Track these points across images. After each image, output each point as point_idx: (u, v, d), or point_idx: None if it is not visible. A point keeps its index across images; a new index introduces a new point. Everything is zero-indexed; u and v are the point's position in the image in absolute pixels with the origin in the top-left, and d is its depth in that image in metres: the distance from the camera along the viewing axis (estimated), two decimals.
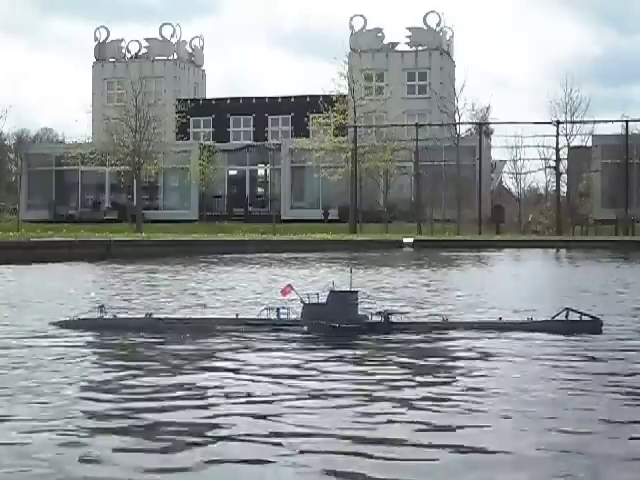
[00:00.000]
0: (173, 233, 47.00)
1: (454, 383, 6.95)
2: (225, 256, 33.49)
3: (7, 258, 26.69)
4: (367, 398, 6.32)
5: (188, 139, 72.58)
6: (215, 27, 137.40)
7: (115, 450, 4.99)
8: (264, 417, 5.73)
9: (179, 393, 6.56)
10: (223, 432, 5.40)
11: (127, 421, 5.68)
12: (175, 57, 77.87)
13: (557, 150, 62.74)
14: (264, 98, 74.24)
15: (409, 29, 72.48)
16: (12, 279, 20.58)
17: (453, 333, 9.54)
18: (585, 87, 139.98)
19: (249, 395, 6.44)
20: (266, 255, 34.46)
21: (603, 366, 7.80)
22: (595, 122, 63.55)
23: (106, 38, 78.25)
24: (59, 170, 70.06)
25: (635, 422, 5.63)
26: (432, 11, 71.86)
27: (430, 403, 6.15)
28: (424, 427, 5.46)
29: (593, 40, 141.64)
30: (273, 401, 6.27)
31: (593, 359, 8.14)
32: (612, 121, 63.11)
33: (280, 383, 6.89)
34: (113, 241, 35.33)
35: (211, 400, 6.35)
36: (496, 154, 69.64)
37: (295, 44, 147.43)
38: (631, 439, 5.24)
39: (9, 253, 28.28)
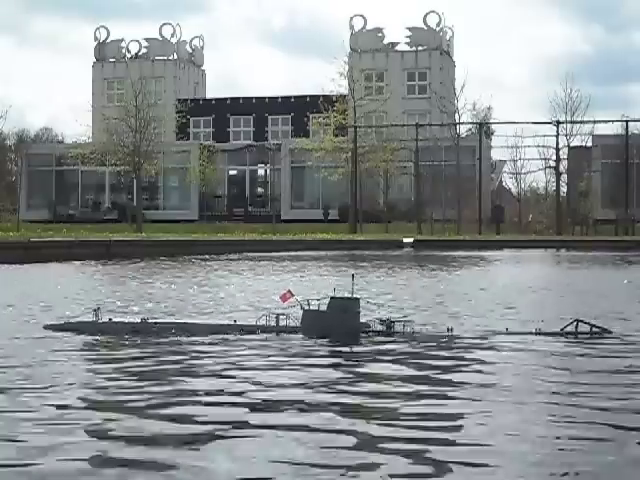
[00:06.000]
0: (173, 233, 46.94)
1: (455, 394, 6.86)
2: (225, 256, 33.41)
3: (7, 258, 26.64)
4: (363, 406, 6.27)
5: (188, 139, 72.57)
6: (211, 26, 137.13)
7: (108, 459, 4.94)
8: (260, 427, 5.65)
9: (173, 399, 6.47)
10: (215, 435, 5.36)
11: (120, 426, 5.63)
12: (175, 57, 77.85)
13: (557, 150, 62.77)
14: (264, 98, 74.23)
15: (409, 29, 72.52)
16: (10, 280, 20.49)
17: (457, 343, 9.39)
18: (584, 87, 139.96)
19: (239, 402, 6.38)
20: (266, 255, 34.39)
21: (610, 374, 7.70)
22: (595, 122, 63.64)
23: (106, 38, 78.29)
24: (59, 170, 70.06)
25: None
26: (432, 11, 72.03)
27: (427, 415, 6.09)
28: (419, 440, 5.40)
29: (589, 39, 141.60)
30: (265, 409, 6.20)
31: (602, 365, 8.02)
32: (612, 121, 63.23)
33: (273, 390, 6.82)
34: (113, 241, 35.27)
35: (204, 405, 6.30)
36: (496, 154, 69.71)
37: (293, 44, 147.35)
38: None
39: (9, 253, 28.22)
